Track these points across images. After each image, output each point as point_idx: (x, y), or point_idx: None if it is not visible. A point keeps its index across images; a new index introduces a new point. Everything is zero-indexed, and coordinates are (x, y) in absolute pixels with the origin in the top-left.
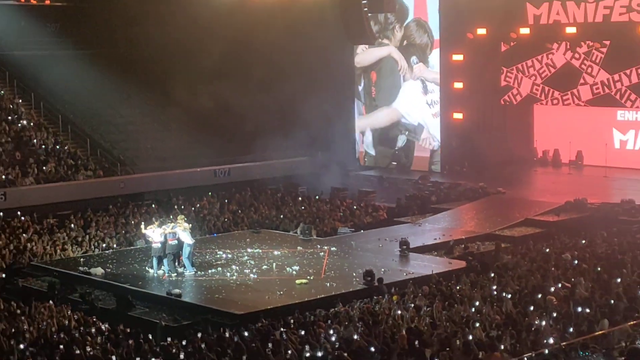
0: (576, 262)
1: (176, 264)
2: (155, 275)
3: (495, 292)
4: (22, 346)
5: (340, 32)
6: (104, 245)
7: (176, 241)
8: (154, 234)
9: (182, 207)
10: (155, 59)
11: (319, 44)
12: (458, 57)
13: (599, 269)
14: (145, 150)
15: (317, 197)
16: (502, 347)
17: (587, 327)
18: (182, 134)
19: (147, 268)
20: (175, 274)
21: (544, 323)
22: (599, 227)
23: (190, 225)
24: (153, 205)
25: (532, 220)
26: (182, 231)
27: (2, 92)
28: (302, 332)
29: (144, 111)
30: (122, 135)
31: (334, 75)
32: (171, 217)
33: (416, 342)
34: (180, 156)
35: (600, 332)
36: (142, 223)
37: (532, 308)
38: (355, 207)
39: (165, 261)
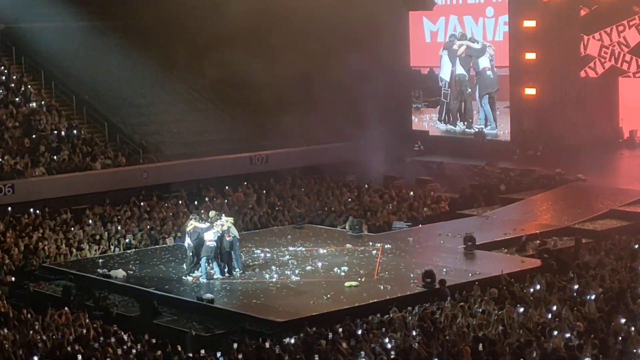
0: None
1: (208, 265)
2: (204, 280)
3: (575, 295)
4: (35, 358)
5: None
6: (125, 243)
7: (231, 238)
8: (208, 232)
9: (215, 199)
10: (181, 31)
11: (368, 9)
12: (530, 24)
13: None
14: (171, 134)
15: (366, 185)
16: (585, 357)
17: None
18: (213, 116)
19: (187, 273)
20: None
21: (632, 330)
22: None
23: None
24: (180, 202)
25: (617, 212)
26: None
27: (8, 70)
28: (353, 342)
29: (169, 90)
30: (144, 118)
31: (387, 47)
32: (202, 210)
33: (485, 353)
34: (211, 141)
35: None
36: (192, 219)
37: (618, 313)
38: (412, 197)
39: (203, 262)
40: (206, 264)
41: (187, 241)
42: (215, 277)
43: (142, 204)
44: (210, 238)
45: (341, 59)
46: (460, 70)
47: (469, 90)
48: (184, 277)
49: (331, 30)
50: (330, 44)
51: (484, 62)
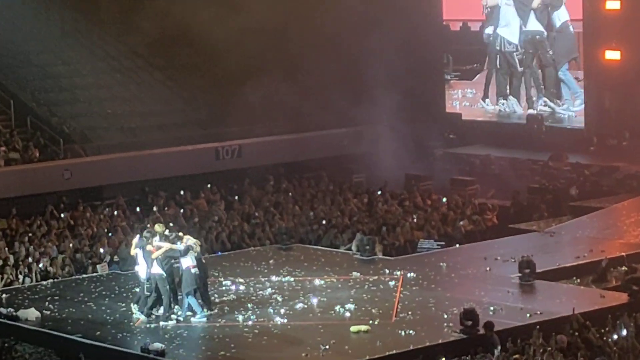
0: None
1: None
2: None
3: None
4: None
5: None
6: (39, 271)
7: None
8: (186, 256)
9: (165, 208)
10: None
11: None
12: None
13: None
14: (104, 117)
15: (379, 191)
16: None
17: None
18: (162, 90)
19: (163, 316)
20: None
21: None
22: None
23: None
24: (116, 212)
25: None
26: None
27: None
28: None
29: (98, 55)
30: (66, 95)
31: None
32: (147, 224)
33: None
34: (160, 127)
35: None
36: (148, 236)
37: None
38: (444, 206)
39: (190, 299)
40: (194, 300)
41: (142, 271)
42: (198, 319)
43: (62, 215)
44: (190, 263)
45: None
46: (535, 26)
47: (550, 52)
48: (162, 322)
49: None
50: None
51: (563, 15)
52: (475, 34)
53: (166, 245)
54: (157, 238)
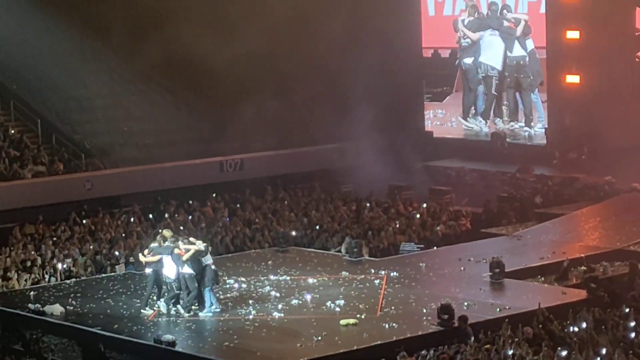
0: None
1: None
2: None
3: (632, 335)
4: None
5: None
6: (63, 271)
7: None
8: (207, 255)
9: (176, 215)
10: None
11: None
12: None
13: None
14: (120, 135)
15: (367, 202)
16: None
17: None
18: (172, 110)
19: (187, 307)
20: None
21: None
22: None
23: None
24: (132, 218)
25: None
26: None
27: None
28: None
29: (115, 79)
30: (87, 114)
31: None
32: (160, 230)
33: None
34: (171, 143)
35: None
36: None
37: None
38: (425, 212)
39: (208, 293)
40: (212, 295)
41: (171, 272)
42: (205, 313)
43: (84, 221)
44: (210, 261)
45: (321, 30)
46: (519, 51)
47: (531, 77)
48: (182, 310)
49: None
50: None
51: (530, 43)
52: (445, 60)
53: (193, 248)
54: (181, 243)
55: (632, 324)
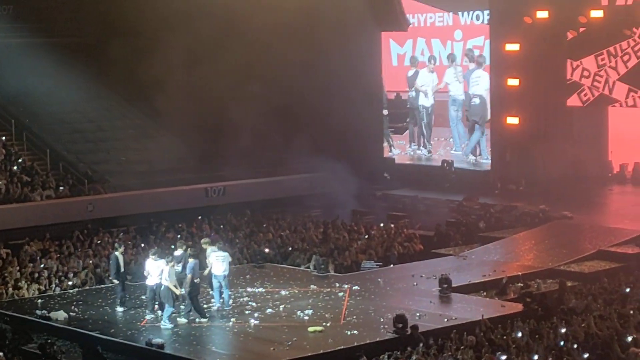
0: None
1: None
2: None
3: (562, 343)
4: None
5: (365, 16)
6: (68, 283)
7: None
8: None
9: (166, 234)
10: (130, 48)
11: (340, 30)
12: (513, 47)
13: None
14: (119, 163)
15: (333, 225)
16: None
17: None
18: (165, 142)
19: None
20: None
21: None
22: None
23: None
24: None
25: (606, 253)
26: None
27: None
28: None
29: (117, 115)
30: (90, 145)
31: (357, 67)
32: (155, 246)
33: None
34: (163, 171)
35: None
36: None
37: None
38: (382, 234)
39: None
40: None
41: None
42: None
43: (86, 239)
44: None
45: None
46: (476, 90)
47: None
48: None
49: (295, 42)
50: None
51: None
52: (404, 101)
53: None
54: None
55: (563, 331)
